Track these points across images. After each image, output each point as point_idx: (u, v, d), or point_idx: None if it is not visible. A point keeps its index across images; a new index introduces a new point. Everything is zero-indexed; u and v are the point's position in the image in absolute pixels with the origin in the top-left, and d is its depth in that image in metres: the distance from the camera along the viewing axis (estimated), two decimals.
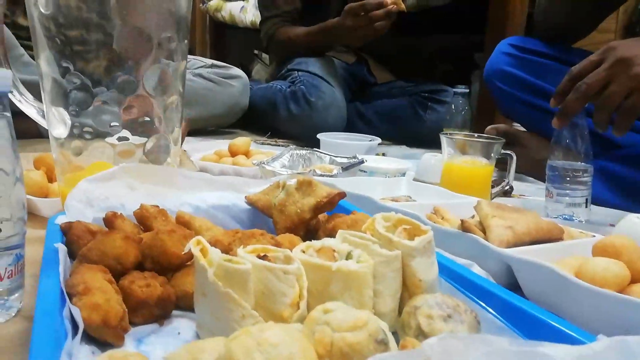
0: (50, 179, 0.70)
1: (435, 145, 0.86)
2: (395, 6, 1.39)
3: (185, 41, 0.60)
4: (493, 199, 0.87)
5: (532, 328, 0.37)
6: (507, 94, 1.09)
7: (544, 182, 1.06)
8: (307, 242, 0.41)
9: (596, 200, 0.86)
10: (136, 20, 0.58)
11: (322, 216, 0.56)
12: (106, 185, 0.52)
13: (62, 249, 0.40)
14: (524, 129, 1.15)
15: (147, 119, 0.58)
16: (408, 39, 1.67)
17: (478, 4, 1.70)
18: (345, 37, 1.46)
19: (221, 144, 1.11)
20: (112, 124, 0.57)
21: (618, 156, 0.93)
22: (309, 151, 0.96)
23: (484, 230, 0.54)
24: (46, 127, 0.60)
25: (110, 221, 0.46)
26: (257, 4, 2.48)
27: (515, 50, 1.10)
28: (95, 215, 0.49)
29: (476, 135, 0.87)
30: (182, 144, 0.80)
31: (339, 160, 0.93)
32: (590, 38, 1.17)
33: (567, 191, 0.78)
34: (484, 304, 0.40)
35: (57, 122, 0.58)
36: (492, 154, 0.82)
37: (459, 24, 1.85)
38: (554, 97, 0.79)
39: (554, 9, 1.08)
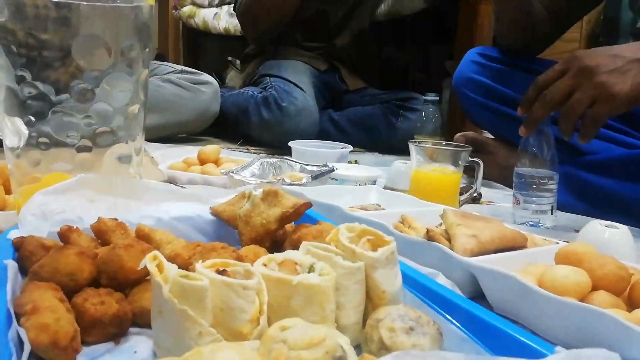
0: (8, 191, 0.67)
1: (406, 152, 0.87)
2: None
3: (147, 49, 0.59)
4: (461, 205, 0.87)
5: (494, 339, 0.37)
6: (475, 102, 1.10)
7: (512, 188, 1.08)
8: (270, 255, 0.41)
9: (561, 206, 0.88)
10: (95, 29, 0.57)
11: (288, 226, 0.56)
12: (63, 197, 0.50)
13: (11, 265, 0.39)
14: (492, 137, 1.16)
15: (107, 128, 0.56)
16: (379, 47, 1.68)
17: (449, 13, 1.73)
18: None
19: (191, 152, 1.09)
20: (70, 134, 0.56)
21: (582, 162, 0.95)
22: (279, 159, 0.95)
23: (449, 239, 0.54)
24: (1, 137, 0.58)
25: (65, 235, 0.44)
26: (230, 12, 2.47)
27: (483, 58, 1.12)
28: (50, 229, 0.47)
29: (444, 143, 0.87)
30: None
31: (309, 168, 0.92)
32: (554, 47, 1.20)
33: (534, 198, 0.80)
34: (447, 316, 0.40)
35: (12, 132, 0.56)
36: (460, 162, 0.83)
37: (429, 33, 1.88)
38: (521, 105, 0.81)
39: (505, 37, 1.10)
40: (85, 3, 0.57)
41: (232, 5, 2.46)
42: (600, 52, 0.78)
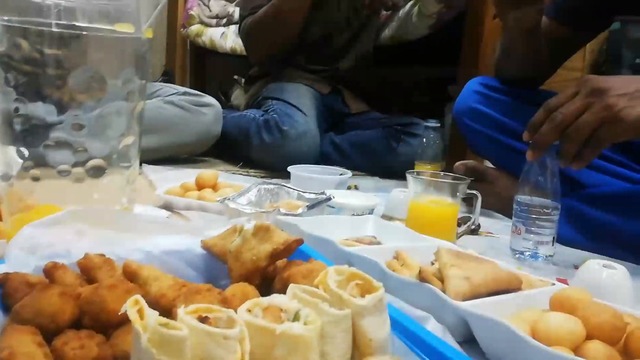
0: None
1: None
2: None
3: (144, 81, 0.59)
4: (459, 237, 0.86)
5: None
6: (476, 132, 1.10)
7: (511, 219, 1.07)
8: (255, 299, 0.40)
9: (561, 239, 0.87)
10: (94, 59, 0.57)
11: (280, 262, 0.55)
12: (52, 230, 0.50)
13: None
14: (493, 166, 1.16)
15: (101, 161, 0.56)
16: (383, 71, 1.69)
17: (452, 39, 1.74)
18: None
19: (191, 174, 1.09)
20: (63, 165, 0.56)
21: (583, 195, 0.94)
22: (276, 186, 0.95)
23: (443, 280, 0.53)
24: None
25: (49, 273, 0.44)
26: (237, 32, 2.49)
27: (485, 89, 1.12)
28: (37, 263, 0.47)
29: (442, 174, 0.87)
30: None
31: (306, 195, 0.92)
32: (556, 76, 1.20)
33: (534, 228, 0.78)
34: None
35: (5, 162, 0.56)
36: (458, 194, 0.82)
37: (433, 57, 1.89)
38: (528, 129, 0.79)
39: (505, 68, 1.10)
40: (85, 33, 0.58)
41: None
42: (613, 77, 0.77)
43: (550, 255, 0.79)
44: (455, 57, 1.76)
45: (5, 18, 0.54)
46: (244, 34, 1.61)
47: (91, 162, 0.55)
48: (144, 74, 0.59)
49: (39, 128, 0.56)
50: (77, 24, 0.54)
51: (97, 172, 0.56)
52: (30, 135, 0.56)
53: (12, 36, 0.55)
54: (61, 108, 0.56)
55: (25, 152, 0.55)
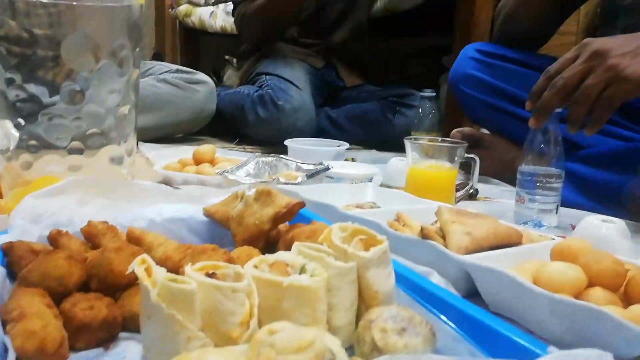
0: None
1: (404, 149, 0.86)
2: None
3: (138, 49, 0.58)
4: (458, 202, 0.87)
5: (488, 339, 0.36)
6: (473, 98, 1.09)
7: (509, 184, 1.07)
8: (261, 256, 0.40)
9: (561, 201, 0.87)
10: (85, 28, 0.56)
11: (282, 226, 0.55)
12: (53, 200, 0.50)
13: None
14: (489, 132, 1.16)
15: (98, 130, 0.55)
16: (377, 42, 1.67)
17: (446, 8, 1.72)
18: None
19: (187, 151, 1.08)
20: (60, 136, 0.55)
21: (580, 157, 0.94)
22: (274, 158, 0.95)
23: (444, 237, 0.53)
24: None
25: (54, 239, 0.44)
26: (226, 10, 2.46)
27: (481, 55, 1.11)
28: (41, 233, 0.47)
29: (440, 139, 0.87)
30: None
31: (304, 167, 0.92)
32: (552, 40, 1.19)
33: (539, 196, 0.78)
34: (441, 315, 0.39)
35: (2, 135, 0.55)
36: (456, 158, 0.82)
37: (426, 27, 1.87)
38: (530, 98, 0.77)
39: (517, 20, 1.09)
40: (75, 3, 0.57)
41: (228, 3, 2.45)
42: (612, 38, 0.76)
43: (555, 225, 0.79)
44: (449, 26, 1.75)
45: None
46: (238, 21, 1.59)
47: (89, 132, 0.55)
48: (137, 42, 0.59)
49: (35, 100, 0.55)
50: None
51: (96, 142, 0.56)
52: (26, 107, 0.55)
53: (2, 9, 0.54)
54: (60, 77, 0.55)
55: (22, 122, 0.54)
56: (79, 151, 0.58)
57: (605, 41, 0.74)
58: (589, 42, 0.74)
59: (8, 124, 0.56)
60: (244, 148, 1.42)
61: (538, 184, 0.77)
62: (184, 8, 2.62)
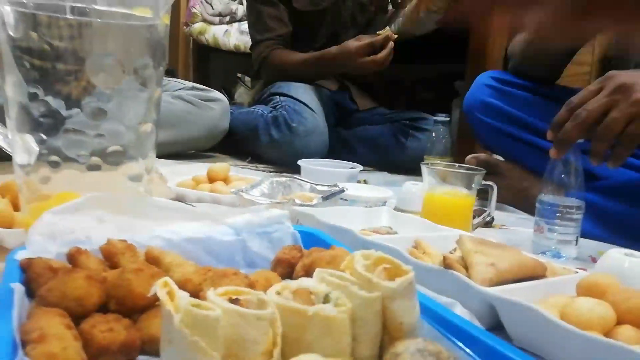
0: (16, 208, 0.66)
1: (416, 172, 0.86)
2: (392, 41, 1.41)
3: (161, 68, 0.58)
4: (474, 229, 0.86)
5: None
6: (488, 126, 1.09)
7: (525, 212, 1.06)
8: (283, 282, 0.39)
9: None
10: (109, 46, 0.56)
11: (296, 249, 0.54)
12: (72, 217, 0.49)
13: (18, 289, 0.37)
14: (504, 159, 1.15)
15: (118, 147, 0.55)
16: (390, 67, 1.68)
17: (459, 34, 1.74)
18: (340, 66, 1.47)
19: (201, 168, 1.08)
20: (80, 152, 0.55)
21: (597, 187, 0.93)
22: (289, 178, 0.94)
23: (466, 267, 0.52)
24: (11, 154, 0.57)
25: (73, 258, 0.43)
26: (240, 29, 2.49)
27: (496, 82, 1.11)
28: (59, 250, 0.46)
29: (457, 165, 0.86)
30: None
31: (319, 188, 0.91)
32: (567, 70, 1.19)
33: (558, 227, 0.76)
34: (467, 349, 0.38)
35: (23, 149, 0.55)
36: (473, 185, 0.81)
37: (439, 53, 1.88)
38: (551, 128, 0.76)
39: (526, 70, 1.09)
40: (100, 20, 0.57)
41: (242, 22, 2.48)
42: (636, 71, 0.75)
43: (574, 257, 0.78)
44: (462, 52, 1.76)
45: (21, 1, 0.53)
46: (258, 62, 1.63)
47: (110, 149, 0.55)
48: (160, 61, 0.59)
49: (56, 115, 0.55)
50: (94, 7, 0.53)
51: (116, 159, 0.56)
52: (48, 122, 0.55)
53: (26, 24, 0.54)
54: (78, 91, 0.55)
55: (44, 137, 0.54)
56: (98, 167, 0.57)
57: (630, 75, 0.73)
58: (613, 75, 0.74)
59: (29, 138, 0.56)
60: (256, 167, 1.42)
61: (558, 215, 0.76)
62: (198, 26, 2.66)
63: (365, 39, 1.41)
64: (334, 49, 1.45)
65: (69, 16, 0.56)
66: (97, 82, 0.55)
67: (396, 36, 1.41)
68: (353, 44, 1.40)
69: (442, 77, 2.05)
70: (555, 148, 0.75)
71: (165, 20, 0.59)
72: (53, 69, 0.55)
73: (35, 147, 0.56)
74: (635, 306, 0.44)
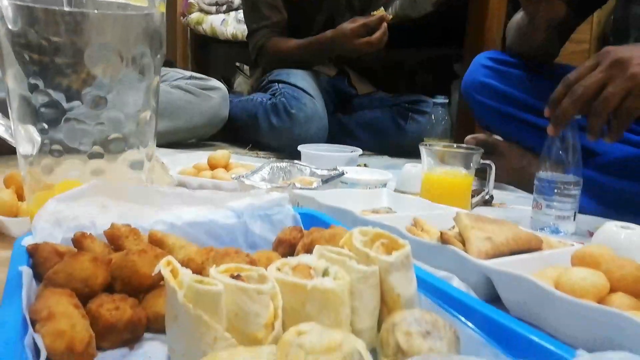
0: (21, 198, 0.67)
1: (416, 155, 0.86)
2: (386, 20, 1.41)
3: (159, 56, 0.59)
4: (473, 208, 0.87)
5: (512, 343, 0.36)
6: (486, 106, 1.09)
7: (524, 190, 1.07)
8: (283, 259, 0.40)
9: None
10: (107, 36, 0.57)
11: (299, 231, 0.55)
12: (76, 204, 0.50)
13: (26, 272, 0.39)
14: (503, 139, 1.16)
15: (119, 135, 0.56)
16: (388, 51, 1.68)
17: (457, 16, 1.73)
18: (337, 50, 1.47)
19: (201, 157, 1.09)
20: (82, 141, 0.56)
21: (595, 164, 0.94)
22: (289, 164, 0.95)
23: (463, 242, 0.53)
24: (14, 145, 0.58)
25: (78, 242, 0.44)
26: (237, 18, 2.48)
27: (495, 62, 1.11)
28: (64, 235, 0.47)
29: (455, 145, 0.87)
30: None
31: (319, 172, 0.92)
32: (565, 48, 1.19)
33: (556, 203, 0.77)
34: (464, 319, 0.39)
35: (25, 140, 0.56)
36: (472, 164, 0.82)
37: (438, 36, 1.88)
38: (548, 105, 0.77)
39: (521, 50, 1.09)
40: (97, 11, 0.58)
41: (239, 10, 2.47)
42: (632, 46, 0.75)
43: (572, 232, 0.79)
44: (460, 34, 1.75)
45: None
46: (255, 51, 1.64)
47: (110, 137, 0.55)
48: (158, 50, 0.59)
49: (58, 105, 0.56)
50: None
51: (117, 147, 0.57)
52: (49, 113, 0.56)
53: (24, 18, 0.55)
54: (77, 84, 0.56)
55: (46, 127, 0.55)
56: (100, 156, 0.58)
57: (626, 50, 0.73)
58: (609, 51, 0.74)
59: (31, 129, 0.57)
60: (256, 154, 1.43)
61: (556, 191, 0.77)
62: (195, 16, 2.65)
63: (359, 21, 1.40)
64: (329, 32, 1.45)
65: (66, 8, 0.57)
66: (96, 72, 0.56)
67: (391, 17, 1.41)
68: (347, 25, 1.40)
69: (441, 60, 2.04)
70: (553, 124, 0.75)
71: (161, 8, 0.59)
72: (52, 62, 0.56)
73: (38, 138, 0.57)
74: (628, 274, 0.45)
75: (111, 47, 0.57)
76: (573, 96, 0.73)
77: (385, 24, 1.39)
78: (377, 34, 1.39)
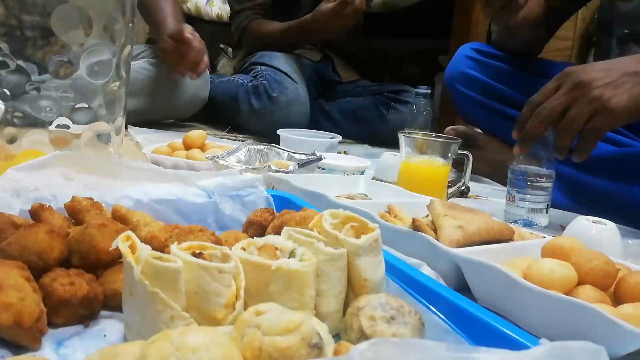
0: None
1: (397, 144, 0.86)
2: None
3: (131, 24, 0.57)
4: (449, 198, 0.87)
5: (477, 331, 0.36)
6: (468, 97, 1.09)
7: (501, 184, 1.07)
8: (249, 239, 0.39)
9: (551, 202, 0.87)
10: (76, 1, 0.55)
11: (268, 212, 0.54)
12: (37, 174, 0.48)
13: None
14: (482, 132, 1.16)
15: (86, 105, 0.54)
16: (374, 41, 1.67)
17: (443, 9, 1.72)
18: (319, 32, 1.44)
19: (178, 136, 1.07)
20: (46, 110, 0.53)
21: (570, 160, 0.94)
22: (266, 146, 0.93)
23: (436, 230, 0.53)
24: None
25: (36, 213, 0.43)
26: None
27: (478, 54, 1.11)
28: (22, 207, 0.45)
29: (434, 135, 0.86)
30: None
31: (297, 156, 0.91)
32: (549, 45, 1.19)
33: (529, 196, 0.78)
34: (430, 306, 0.39)
35: None
36: (449, 154, 0.82)
37: (424, 27, 1.87)
38: (515, 128, 0.78)
39: (509, 43, 1.09)
40: None
41: None
42: (593, 66, 0.76)
43: (544, 225, 0.79)
44: (446, 27, 1.74)
45: None
46: (237, 33, 1.60)
47: (77, 106, 0.53)
48: (130, 17, 0.57)
49: (22, 72, 0.54)
50: None
51: (83, 117, 0.55)
52: (13, 79, 0.54)
53: None
54: (44, 50, 0.53)
55: (7, 97, 0.52)
56: (66, 126, 0.56)
57: (588, 71, 0.73)
58: (570, 72, 0.74)
59: None
60: (235, 136, 1.41)
61: (529, 183, 0.77)
62: None
63: None
64: (309, 16, 1.42)
65: None
66: (64, 38, 0.53)
67: None
68: (326, 6, 1.36)
69: (427, 52, 2.03)
70: (519, 145, 0.76)
71: None
72: (20, 34, 0.54)
73: (1, 105, 0.55)
74: (596, 267, 0.45)
75: (80, 10, 0.54)
76: (538, 118, 0.74)
77: None
78: (352, 10, 1.35)
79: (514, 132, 0.78)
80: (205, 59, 1.27)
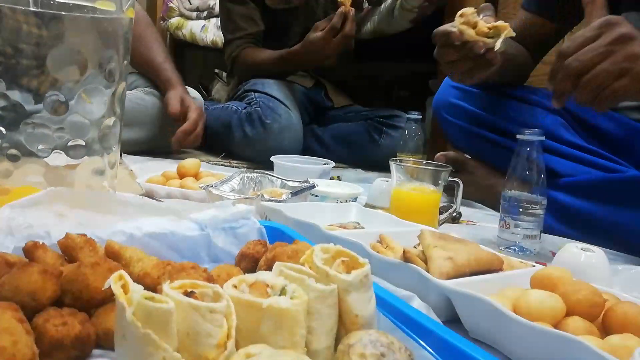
0: None
1: (389, 169, 0.87)
2: (351, 10, 1.39)
3: (125, 62, 0.58)
4: (441, 225, 0.87)
5: None
6: (455, 125, 1.11)
7: (492, 208, 1.08)
8: (240, 276, 0.40)
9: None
10: (74, 39, 0.56)
11: (260, 244, 0.55)
12: (31, 211, 0.49)
13: None
14: (471, 157, 1.17)
15: (81, 141, 0.55)
16: (365, 66, 1.70)
17: (433, 33, 1.75)
18: (310, 59, 1.47)
19: (172, 165, 1.08)
20: (41, 146, 0.54)
21: (561, 185, 0.96)
22: (260, 174, 0.94)
23: (426, 261, 0.53)
24: None
25: (30, 252, 0.43)
26: (217, 24, 2.47)
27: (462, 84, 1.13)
28: (16, 244, 0.46)
29: (425, 162, 0.88)
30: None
31: (290, 184, 0.91)
32: (536, 70, 1.22)
33: (522, 222, 0.79)
34: (420, 341, 0.39)
35: None
36: (440, 181, 0.83)
37: (413, 51, 1.90)
38: (549, 79, 0.71)
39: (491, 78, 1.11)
40: (65, 13, 0.56)
41: (220, 18, 2.46)
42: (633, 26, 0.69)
43: (536, 251, 0.80)
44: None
45: None
46: (230, 61, 1.63)
47: (71, 142, 0.54)
48: (125, 55, 0.58)
49: (17, 109, 0.54)
50: (58, 0, 0.53)
51: (78, 153, 0.55)
52: (8, 116, 0.55)
53: None
54: (46, 85, 0.54)
55: (3, 130, 0.53)
56: (60, 161, 0.57)
57: (632, 27, 0.66)
58: (614, 22, 0.66)
59: None
60: (229, 163, 1.41)
61: (521, 210, 0.79)
62: (175, 21, 2.63)
63: (322, 25, 1.40)
64: (298, 46, 1.45)
65: (32, 8, 0.55)
66: (59, 76, 0.54)
67: (349, 2, 1.40)
68: (316, 35, 1.39)
69: (417, 76, 2.07)
70: (554, 98, 0.71)
71: (129, 14, 0.58)
72: (15, 64, 0.55)
73: None
74: (584, 298, 0.46)
75: (75, 50, 0.55)
76: (567, 70, 0.67)
77: (350, 14, 1.38)
78: (348, 26, 1.38)
79: (547, 82, 0.72)
80: (199, 130, 1.33)
